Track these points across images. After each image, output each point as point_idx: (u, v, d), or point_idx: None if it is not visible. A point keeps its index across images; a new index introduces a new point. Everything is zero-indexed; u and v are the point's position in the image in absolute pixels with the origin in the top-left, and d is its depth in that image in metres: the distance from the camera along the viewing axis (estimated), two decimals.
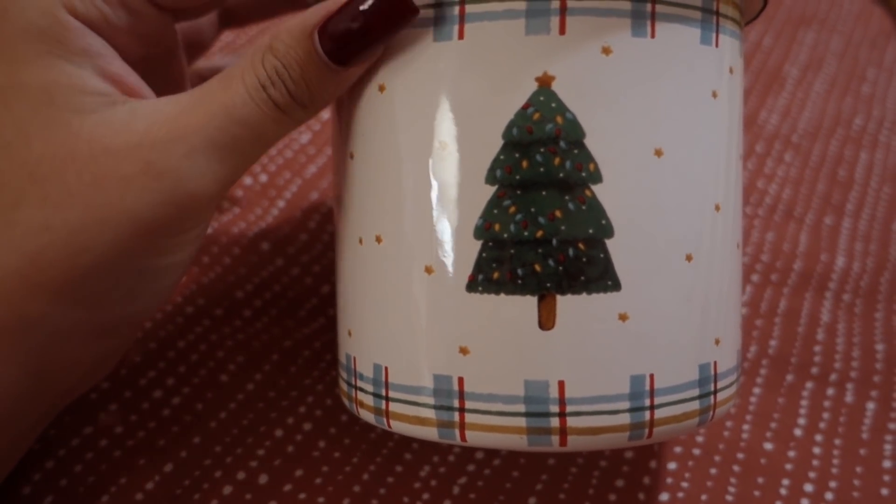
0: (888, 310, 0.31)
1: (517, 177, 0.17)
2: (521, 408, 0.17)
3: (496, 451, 0.24)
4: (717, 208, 0.19)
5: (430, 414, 0.18)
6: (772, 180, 0.36)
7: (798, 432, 0.26)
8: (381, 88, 0.18)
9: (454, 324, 0.17)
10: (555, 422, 0.17)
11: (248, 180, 0.31)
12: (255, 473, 0.23)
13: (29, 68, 0.17)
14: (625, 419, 0.17)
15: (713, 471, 0.24)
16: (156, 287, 0.19)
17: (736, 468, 0.25)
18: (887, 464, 0.25)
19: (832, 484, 0.24)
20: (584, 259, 0.17)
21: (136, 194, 0.17)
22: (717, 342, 0.19)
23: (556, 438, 0.17)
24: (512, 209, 0.17)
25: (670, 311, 0.18)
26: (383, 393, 0.18)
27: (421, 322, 0.18)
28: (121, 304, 0.18)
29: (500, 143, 0.17)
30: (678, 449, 0.25)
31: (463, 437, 0.17)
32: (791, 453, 0.25)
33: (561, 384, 0.17)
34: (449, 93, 0.17)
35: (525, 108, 0.17)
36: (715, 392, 0.19)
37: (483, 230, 0.17)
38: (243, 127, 0.17)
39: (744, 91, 0.21)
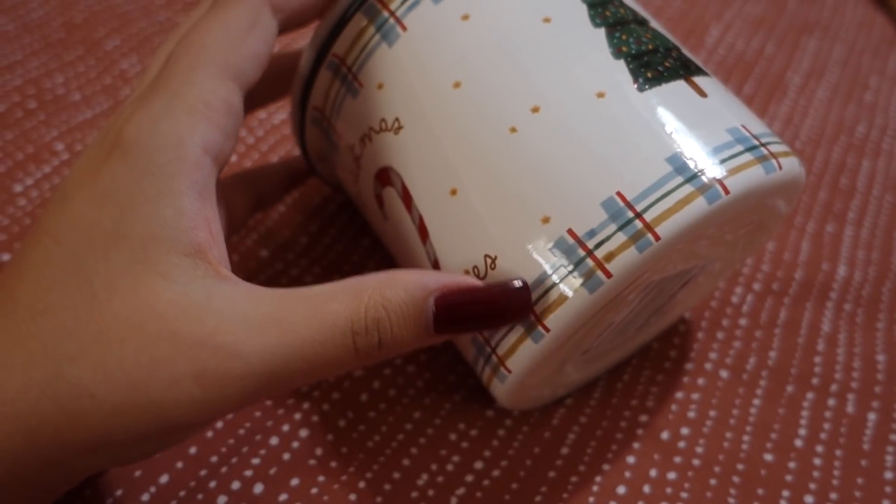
0: (890, 320, 0.30)
1: (610, 20, 0.21)
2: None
3: (496, 461, 0.24)
4: None
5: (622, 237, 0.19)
6: None
7: (799, 443, 0.26)
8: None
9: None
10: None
11: None
12: (251, 483, 0.23)
13: (136, 214, 0.17)
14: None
15: (713, 482, 0.24)
16: (175, 439, 0.19)
17: (736, 479, 0.24)
18: (889, 475, 0.25)
19: (833, 495, 0.24)
20: (682, 56, 0.21)
21: (178, 398, 0.16)
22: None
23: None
24: (623, 36, 0.20)
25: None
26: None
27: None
28: (141, 454, 0.19)
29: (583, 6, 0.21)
30: (678, 459, 0.25)
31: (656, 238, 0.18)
32: (791, 464, 0.25)
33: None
34: None
35: None
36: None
37: (616, 52, 0.20)
38: (307, 363, 0.17)
39: (743, 96, 0.22)
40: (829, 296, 0.31)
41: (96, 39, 0.36)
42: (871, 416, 0.27)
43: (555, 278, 0.18)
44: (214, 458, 0.23)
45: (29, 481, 0.17)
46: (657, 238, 0.18)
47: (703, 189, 0.18)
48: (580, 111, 0.19)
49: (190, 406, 0.16)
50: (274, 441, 0.24)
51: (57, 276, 0.17)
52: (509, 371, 0.20)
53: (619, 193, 0.18)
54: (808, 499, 0.24)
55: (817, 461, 0.25)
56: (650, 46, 0.21)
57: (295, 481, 0.23)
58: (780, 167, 0.19)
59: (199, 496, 0.22)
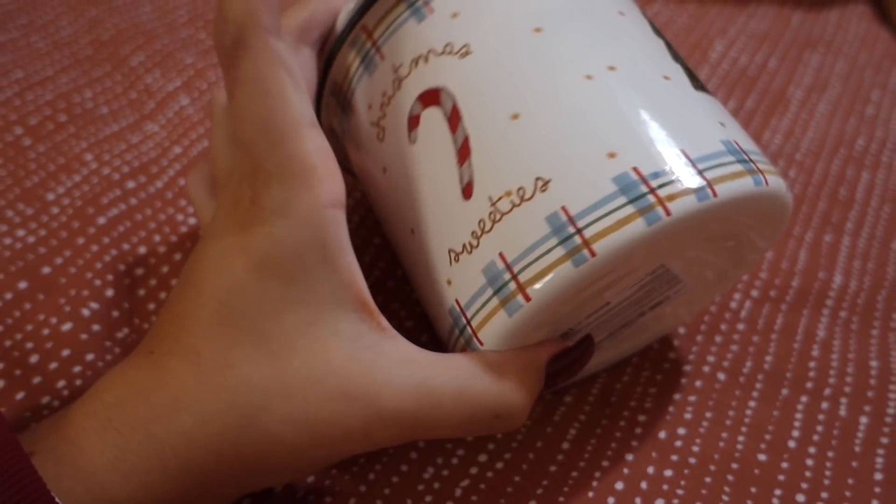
0: (884, 327, 0.31)
1: (664, 36, 0.24)
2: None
3: (499, 454, 0.25)
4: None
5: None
6: None
7: (792, 444, 0.27)
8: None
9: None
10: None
11: None
12: None
13: (301, 283, 0.19)
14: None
15: (708, 479, 0.25)
16: None
17: (730, 477, 0.25)
18: (878, 476, 0.26)
19: (824, 494, 0.25)
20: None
21: (350, 449, 0.20)
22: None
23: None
24: (674, 50, 0.25)
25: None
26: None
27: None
28: None
29: None
30: (675, 457, 0.26)
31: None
32: (784, 464, 0.26)
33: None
34: None
35: None
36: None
37: (675, 57, 0.23)
38: (451, 431, 0.20)
39: (745, 111, 0.23)
40: (826, 303, 0.32)
41: (123, 56, 0.38)
42: (863, 420, 0.28)
43: (619, 211, 0.19)
44: None
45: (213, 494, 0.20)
46: (668, 213, 0.19)
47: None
48: (653, 84, 0.21)
49: (357, 451, 0.20)
50: None
51: (234, 335, 0.19)
52: (482, 343, 0.21)
53: (683, 151, 0.20)
54: (800, 497, 0.25)
55: (809, 461, 0.26)
56: (686, 65, 0.23)
57: (310, 478, 0.24)
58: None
59: None
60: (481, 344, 0.21)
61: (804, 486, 0.25)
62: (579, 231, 0.19)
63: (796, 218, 0.36)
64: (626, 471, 0.25)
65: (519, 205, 0.20)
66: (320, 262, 0.19)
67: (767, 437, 0.27)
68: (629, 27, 0.23)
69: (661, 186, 0.19)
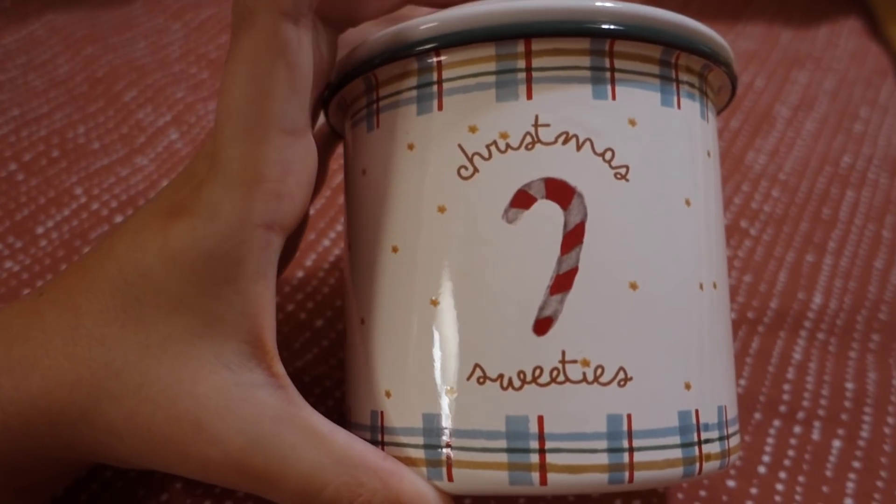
0: (862, 349, 0.31)
1: None
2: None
3: None
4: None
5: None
6: (756, 218, 0.37)
7: (762, 469, 0.27)
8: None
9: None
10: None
11: None
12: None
13: (203, 290, 0.18)
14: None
15: None
16: None
17: None
18: (849, 501, 0.26)
19: None
20: None
21: (182, 471, 0.19)
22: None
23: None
24: None
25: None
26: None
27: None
28: None
29: None
30: None
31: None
32: (753, 490, 0.26)
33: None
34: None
35: None
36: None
37: None
38: (279, 499, 0.19)
39: (730, 130, 0.22)
40: (804, 324, 0.32)
41: (116, 92, 0.39)
42: (836, 444, 0.28)
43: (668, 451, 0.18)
44: None
45: (47, 460, 0.20)
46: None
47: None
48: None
49: (189, 476, 0.19)
50: None
51: (119, 313, 0.18)
52: None
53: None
54: None
55: (779, 486, 0.26)
56: None
57: None
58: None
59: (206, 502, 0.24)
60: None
61: None
62: (631, 450, 0.18)
63: (777, 239, 0.36)
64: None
65: (591, 383, 0.18)
66: (229, 279, 0.18)
67: (738, 462, 0.27)
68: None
69: (640, 449, 0.18)
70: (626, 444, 0.18)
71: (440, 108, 0.19)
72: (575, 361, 0.18)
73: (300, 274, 0.32)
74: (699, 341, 0.19)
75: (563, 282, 0.18)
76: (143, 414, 0.18)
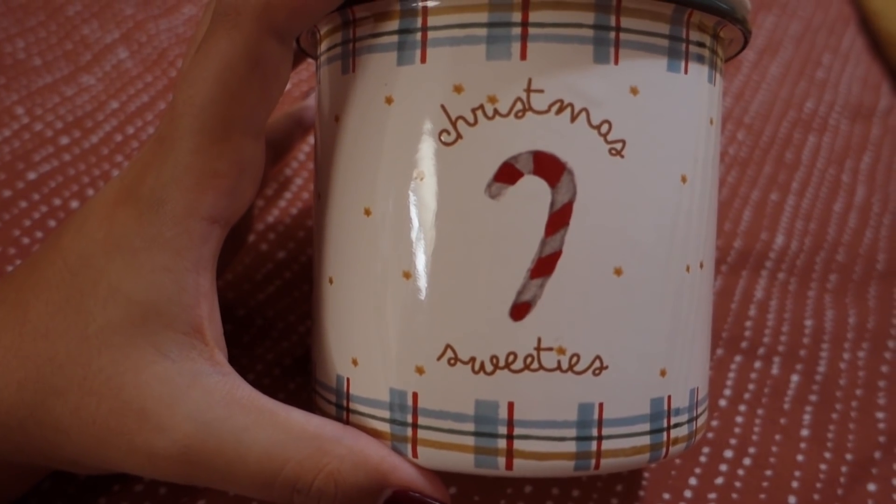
0: (820, 288, 0.32)
1: None
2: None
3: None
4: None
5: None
6: (721, 160, 0.37)
7: (723, 403, 0.27)
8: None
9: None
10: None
11: None
12: None
13: (141, 278, 0.17)
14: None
15: None
16: None
17: None
18: (805, 432, 0.27)
19: (751, 450, 0.26)
20: None
21: (131, 466, 0.18)
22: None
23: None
24: None
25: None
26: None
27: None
28: None
29: None
30: None
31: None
32: (714, 423, 0.27)
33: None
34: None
35: None
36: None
37: None
38: (242, 490, 0.17)
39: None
40: (765, 265, 0.33)
41: (58, 5, 0.36)
42: (794, 378, 0.28)
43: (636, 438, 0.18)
44: None
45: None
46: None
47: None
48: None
49: (149, 474, 0.18)
50: None
51: (62, 305, 0.18)
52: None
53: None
54: (728, 454, 0.26)
55: (739, 419, 0.27)
56: None
57: None
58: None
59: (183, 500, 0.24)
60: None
61: (732, 442, 0.26)
62: (600, 438, 0.17)
63: (742, 179, 0.36)
64: None
65: (565, 371, 0.17)
66: (169, 268, 0.17)
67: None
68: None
69: (608, 437, 0.18)
70: (595, 432, 0.17)
71: (423, 60, 0.17)
72: (550, 349, 0.17)
73: (260, 203, 0.31)
74: (679, 326, 0.18)
75: (544, 265, 0.17)
76: (87, 407, 0.17)
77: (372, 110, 0.18)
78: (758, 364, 0.29)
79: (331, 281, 0.19)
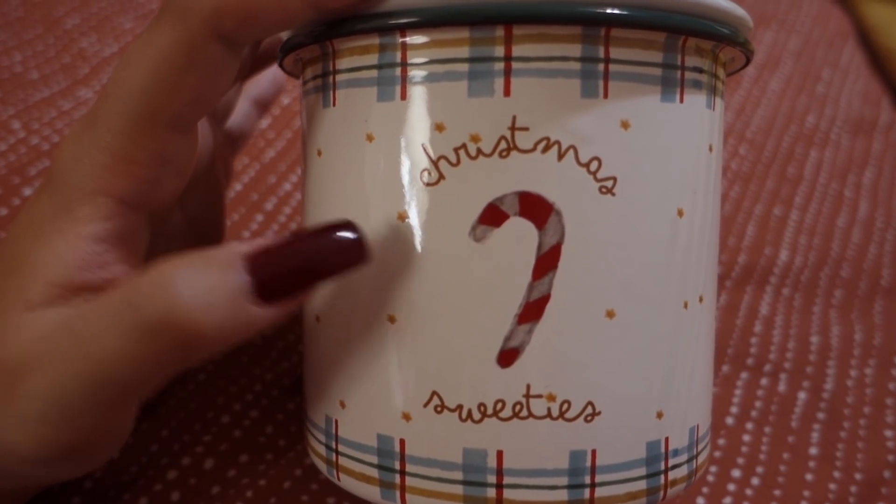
0: (825, 304, 0.32)
1: None
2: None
3: None
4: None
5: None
6: (724, 175, 0.37)
7: (730, 420, 0.27)
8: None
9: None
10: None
11: None
12: (202, 458, 0.24)
13: (38, 244, 0.17)
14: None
15: None
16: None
17: None
18: (814, 451, 0.26)
19: (759, 469, 0.25)
20: None
21: None
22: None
23: None
24: None
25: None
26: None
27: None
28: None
29: None
30: None
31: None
32: (721, 441, 0.26)
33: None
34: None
35: None
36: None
37: None
38: (104, 372, 0.15)
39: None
40: (770, 280, 0.32)
41: (56, 18, 0.36)
42: (801, 395, 0.28)
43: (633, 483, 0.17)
44: (165, 432, 0.24)
45: None
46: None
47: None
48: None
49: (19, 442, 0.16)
50: (225, 419, 0.25)
51: None
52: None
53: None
54: (735, 473, 0.25)
55: (746, 437, 0.26)
56: None
57: (244, 457, 0.24)
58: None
59: (150, 472, 0.23)
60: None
61: (740, 461, 0.26)
62: (593, 485, 0.17)
63: (745, 193, 0.36)
64: None
65: (556, 419, 0.16)
66: (61, 232, 0.17)
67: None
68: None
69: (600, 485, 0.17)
70: (587, 479, 0.17)
71: (403, 97, 0.17)
72: (540, 396, 0.16)
73: (260, 218, 0.31)
74: (677, 365, 0.17)
75: (532, 310, 0.16)
76: None
77: (353, 147, 0.17)
78: (764, 381, 0.28)
79: (317, 319, 0.19)
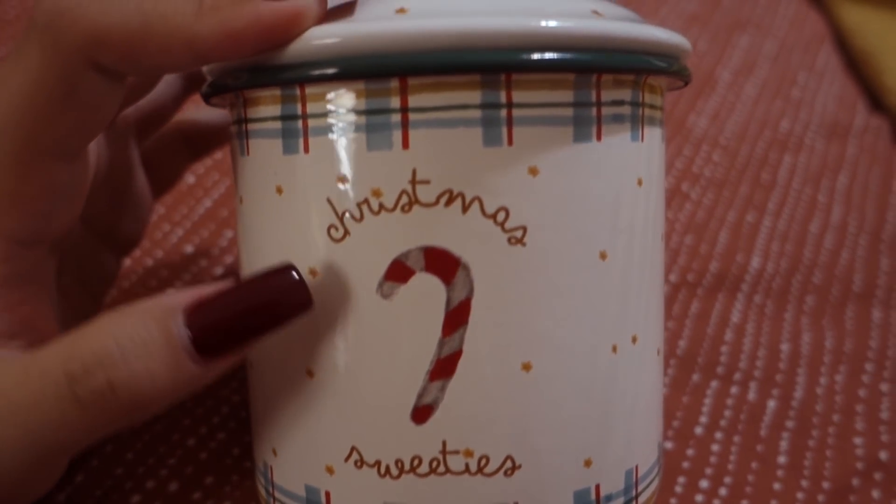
0: (797, 311, 0.32)
1: None
2: None
3: None
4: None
5: None
6: (697, 182, 0.37)
7: (699, 430, 0.27)
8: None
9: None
10: None
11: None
12: (166, 481, 0.24)
13: None
14: None
15: None
16: None
17: None
18: (782, 459, 0.26)
19: (727, 479, 0.25)
20: None
21: None
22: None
23: None
24: None
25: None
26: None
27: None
28: None
29: None
30: None
31: None
32: (690, 451, 0.26)
33: None
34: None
35: None
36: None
37: None
38: (28, 433, 0.15)
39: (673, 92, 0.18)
40: (741, 287, 0.32)
41: None
42: (771, 404, 0.28)
43: None
44: (130, 455, 0.24)
45: None
46: None
47: None
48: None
49: None
50: (191, 442, 0.25)
51: None
52: None
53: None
54: (703, 483, 0.25)
55: (715, 447, 0.26)
56: None
57: (210, 480, 0.24)
58: None
59: (114, 496, 0.23)
60: None
61: (708, 471, 0.26)
62: None
63: (718, 200, 0.36)
64: None
65: (474, 474, 0.16)
66: None
67: (675, 423, 0.27)
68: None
69: None
70: None
71: (306, 150, 0.16)
72: (457, 452, 0.16)
73: (229, 234, 0.31)
74: (609, 409, 0.17)
75: (444, 367, 0.16)
76: None
77: (266, 199, 0.17)
78: (734, 389, 0.28)
79: (250, 365, 0.19)
